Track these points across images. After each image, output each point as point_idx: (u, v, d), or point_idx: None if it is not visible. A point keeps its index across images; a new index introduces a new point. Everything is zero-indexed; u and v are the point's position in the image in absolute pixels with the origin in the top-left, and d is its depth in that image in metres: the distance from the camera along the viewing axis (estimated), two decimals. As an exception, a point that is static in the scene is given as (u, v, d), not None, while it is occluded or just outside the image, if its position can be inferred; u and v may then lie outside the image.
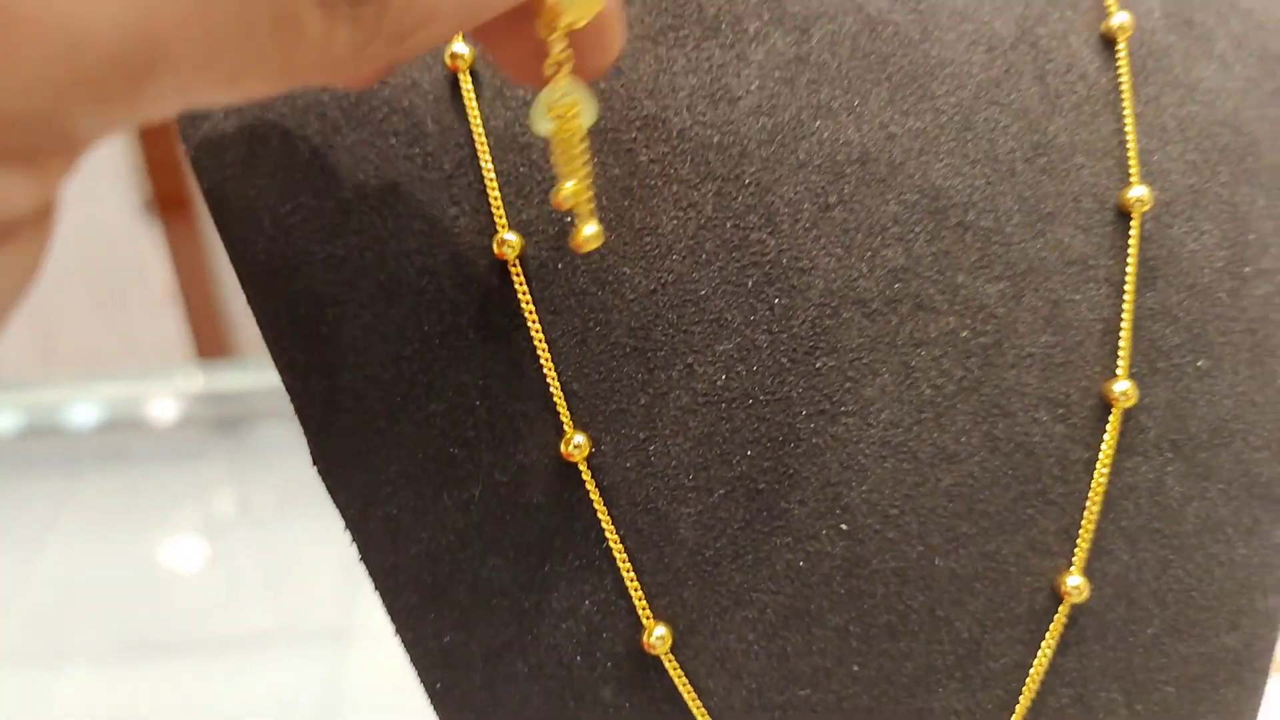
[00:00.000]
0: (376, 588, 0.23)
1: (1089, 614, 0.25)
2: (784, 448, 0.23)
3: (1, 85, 0.11)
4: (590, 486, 0.22)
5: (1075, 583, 0.24)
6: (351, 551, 0.23)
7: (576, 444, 0.22)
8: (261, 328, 0.24)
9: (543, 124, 0.19)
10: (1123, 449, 0.24)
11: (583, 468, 0.22)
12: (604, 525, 0.22)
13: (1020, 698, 0.24)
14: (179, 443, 1.92)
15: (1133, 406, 0.24)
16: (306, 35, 0.14)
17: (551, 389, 0.22)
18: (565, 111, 0.18)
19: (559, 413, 0.22)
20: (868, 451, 0.23)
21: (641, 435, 0.22)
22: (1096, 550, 0.24)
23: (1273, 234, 0.26)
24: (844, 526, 0.23)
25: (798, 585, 0.23)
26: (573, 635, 0.23)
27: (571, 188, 0.19)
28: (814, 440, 0.23)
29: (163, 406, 1.91)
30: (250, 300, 0.24)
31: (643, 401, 0.22)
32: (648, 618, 0.22)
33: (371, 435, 0.22)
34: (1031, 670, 0.24)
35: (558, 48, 0.18)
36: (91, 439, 1.93)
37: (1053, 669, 0.25)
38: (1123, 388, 0.24)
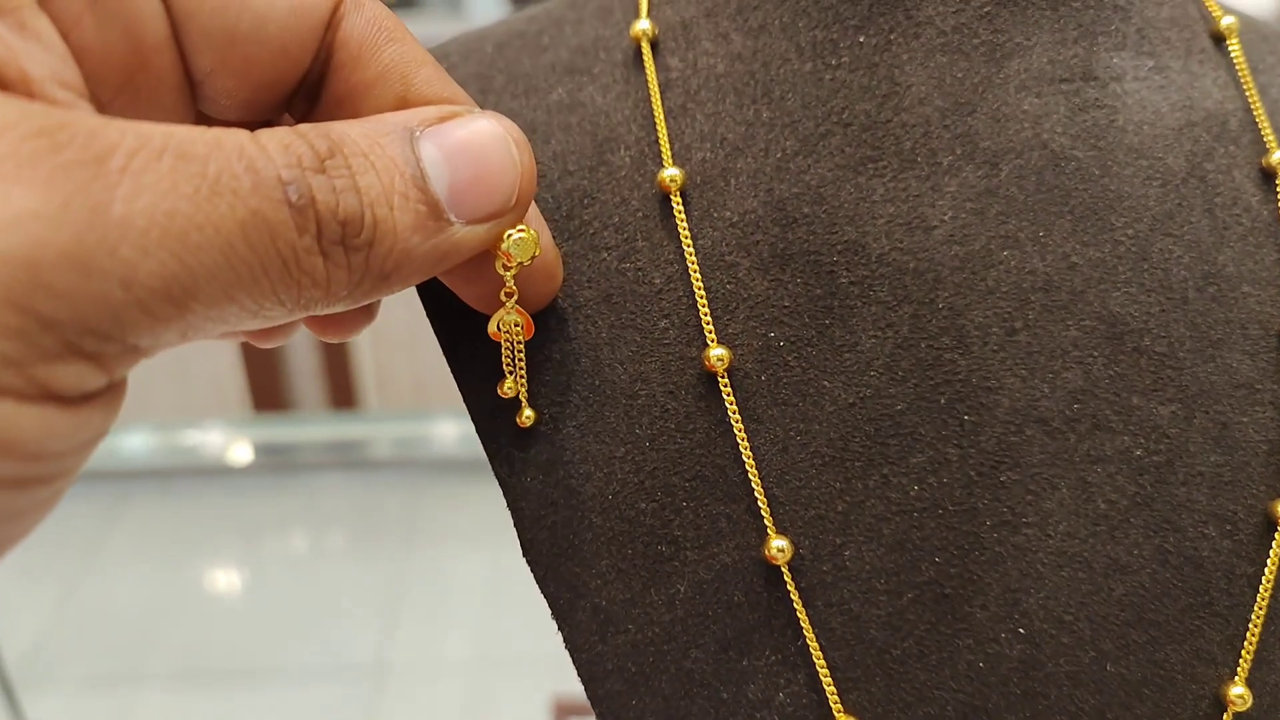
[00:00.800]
0: (580, 675, 0.24)
1: (1247, 720, 0.26)
2: (969, 555, 0.24)
3: (78, 307, 0.15)
4: (790, 587, 0.24)
5: (1239, 692, 0.25)
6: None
7: (780, 547, 0.23)
8: (475, 421, 0.25)
9: (495, 335, 0.24)
10: None
11: (785, 570, 0.24)
12: (802, 624, 0.24)
13: (1182, 801, 0.25)
14: (227, 479, 1.95)
15: None
16: (312, 277, 0.18)
17: (755, 493, 0.24)
18: (510, 330, 0.24)
19: (762, 516, 0.24)
20: (1046, 561, 0.24)
21: (838, 540, 0.24)
22: (1258, 661, 0.26)
23: None
24: (1022, 630, 0.24)
25: (977, 684, 0.24)
26: (767, 728, 0.24)
27: (510, 384, 0.24)
28: (997, 549, 0.24)
29: (216, 446, 1.94)
30: (465, 397, 0.25)
31: (840, 509, 0.24)
32: (839, 711, 0.24)
33: (583, 530, 0.24)
34: None
35: (509, 283, 0.23)
36: (141, 468, 1.96)
37: None
38: None
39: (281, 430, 1.94)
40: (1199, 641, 0.25)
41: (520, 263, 0.22)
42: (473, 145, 0.21)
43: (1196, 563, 0.25)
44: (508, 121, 0.22)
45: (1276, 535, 0.25)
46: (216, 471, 1.94)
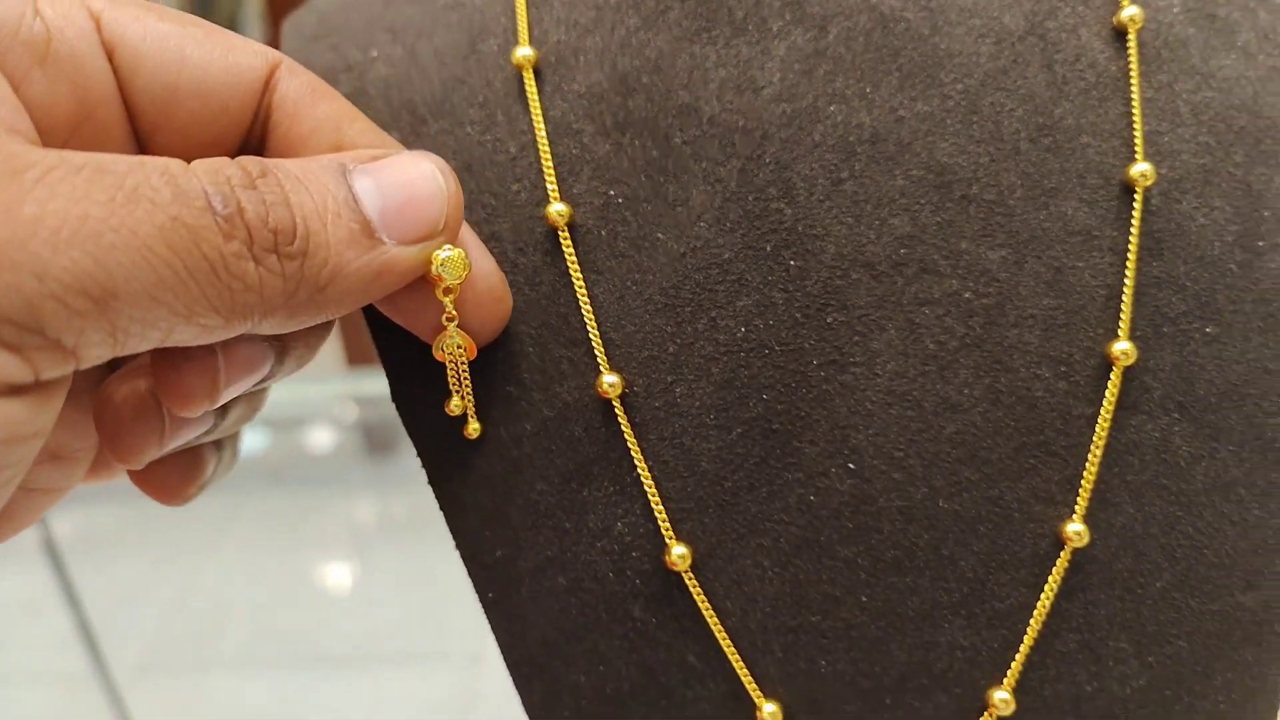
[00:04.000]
0: (442, 509, 0.27)
1: (1094, 563, 0.26)
2: (796, 393, 0.25)
3: None
4: (623, 422, 0.26)
5: (1076, 529, 0.25)
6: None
7: (610, 383, 0.25)
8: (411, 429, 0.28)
9: (439, 356, 0.25)
10: (1126, 407, 0.26)
11: (616, 405, 0.25)
12: (635, 456, 0.26)
13: (1025, 639, 0.26)
14: (333, 469, 2.05)
15: (1135, 367, 0.26)
16: (244, 282, 0.20)
17: (592, 337, 0.26)
18: (453, 351, 0.25)
19: (598, 357, 0.26)
20: (874, 399, 0.25)
21: (670, 379, 0.26)
22: (1101, 502, 0.26)
23: (1290, 212, 0.27)
24: (851, 466, 0.25)
25: (808, 518, 0.26)
26: (606, 553, 0.26)
27: (456, 402, 0.26)
28: (824, 387, 0.25)
29: (320, 436, 2.04)
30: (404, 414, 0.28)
31: (671, 350, 0.26)
32: (671, 539, 0.25)
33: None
34: (1035, 612, 0.26)
35: (448, 307, 0.24)
36: (257, 462, 2.07)
37: (1058, 613, 0.26)
38: (1123, 347, 0.25)
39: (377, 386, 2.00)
40: (1036, 481, 0.26)
41: (453, 285, 0.24)
42: (402, 176, 0.23)
43: (1030, 403, 0.26)
44: (435, 156, 0.24)
45: (1112, 376, 0.26)
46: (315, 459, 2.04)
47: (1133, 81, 0.27)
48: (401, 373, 0.27)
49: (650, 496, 0.26)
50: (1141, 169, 0.26)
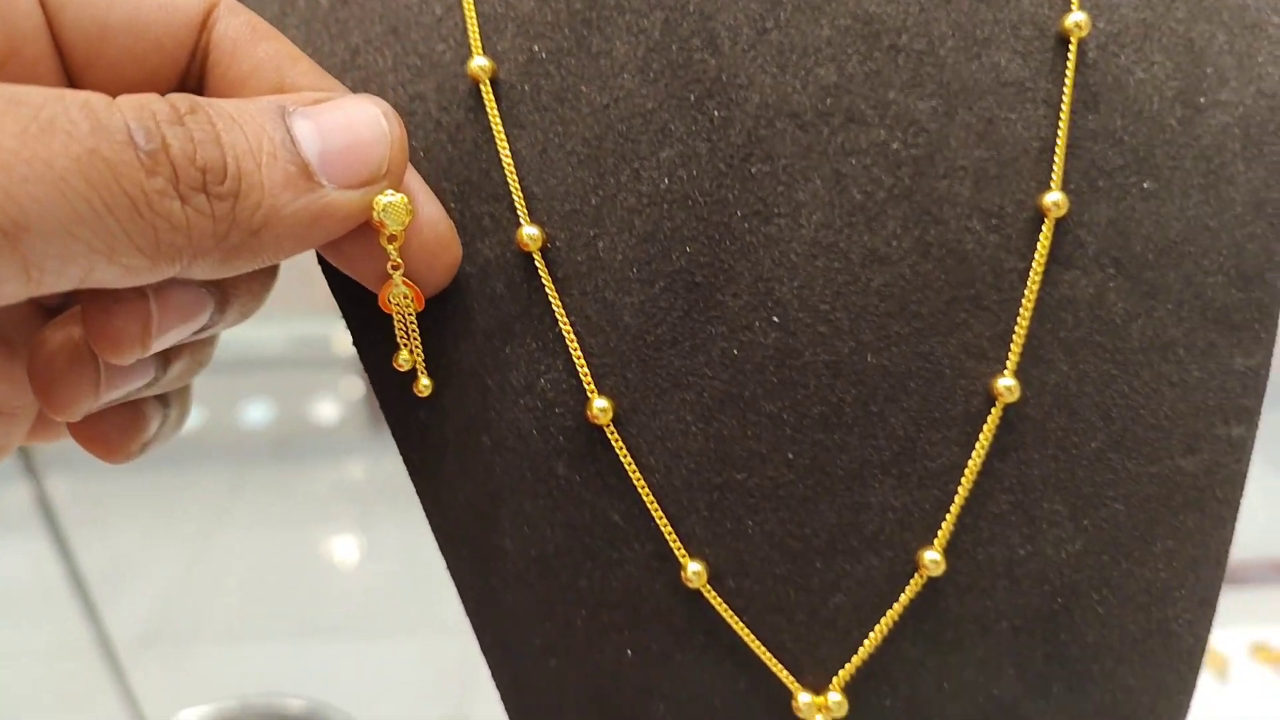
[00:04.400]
0: (371, 383, 0.26)
1: (1027, 421, 0.26)
2: (720, 245, 0.25)
3: None
4: (544, 276, 0.25)
5: (1007, 383, 0.25)
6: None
7: (530, 235, 0.25)
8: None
9: (385, 308, 0.25)
10: (1060, 262, 0.25)
11: (537, 258, 0.25)
12: (556, 311, 0.25)
13: (956, 499, 0.26)
14: (336, 442, 2.05)
15: (1069, 221, 0.25)
16: (169, 221, 0.19)
17: (513, 191, 0.25)
18: (401, 303, 0.25)
19: (518, 211, 0.25)
20: (799, 250, 0.25)
21: (592, 232, 0.25)
22: (1034, 358, 0.25)
23: (1233, 69, 0.26)
24: (775, 319, 0.25)
25: (732, 372, 0.25)
26: (530, 411, 0.26)
27: (405, 356, 0.25)
28: (748, 239, 0.25)
29: (324, 409, 2.04)
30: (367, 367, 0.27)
31: (593, 203, 0.25)
32: (592, 393, 0.25)
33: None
34: (967, 471, 0.25)
35: (392, 255, 0.24)
36: (261, 435, 2.08)
37: (990, 473, 0.26)
38: (1055, 198, 0.25)
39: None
40: (966, 335, 0.25)
41: (396, 231, 0.23)
42: (343, 119, 0.22)
43: (960, 255, 0.25)
44: (378, 100, 0.23)
45: (1044, 229, 0.25)
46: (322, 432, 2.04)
47: None
48: (359, 322, 0.27)
49: (572, 351, 0.25)
50: (1076, 19, 0.25)
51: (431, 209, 0.25)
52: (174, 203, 0.19)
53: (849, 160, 0.25)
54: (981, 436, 0.25)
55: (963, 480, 0.26)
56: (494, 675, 0.28)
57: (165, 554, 1.80)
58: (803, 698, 0.26)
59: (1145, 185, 0.26)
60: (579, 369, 0.25)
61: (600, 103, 0.25)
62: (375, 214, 0.23)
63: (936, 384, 0.25)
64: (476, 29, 0.26)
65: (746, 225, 0.25)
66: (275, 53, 0.24)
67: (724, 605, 0.26)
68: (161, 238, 0.19)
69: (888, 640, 0.27)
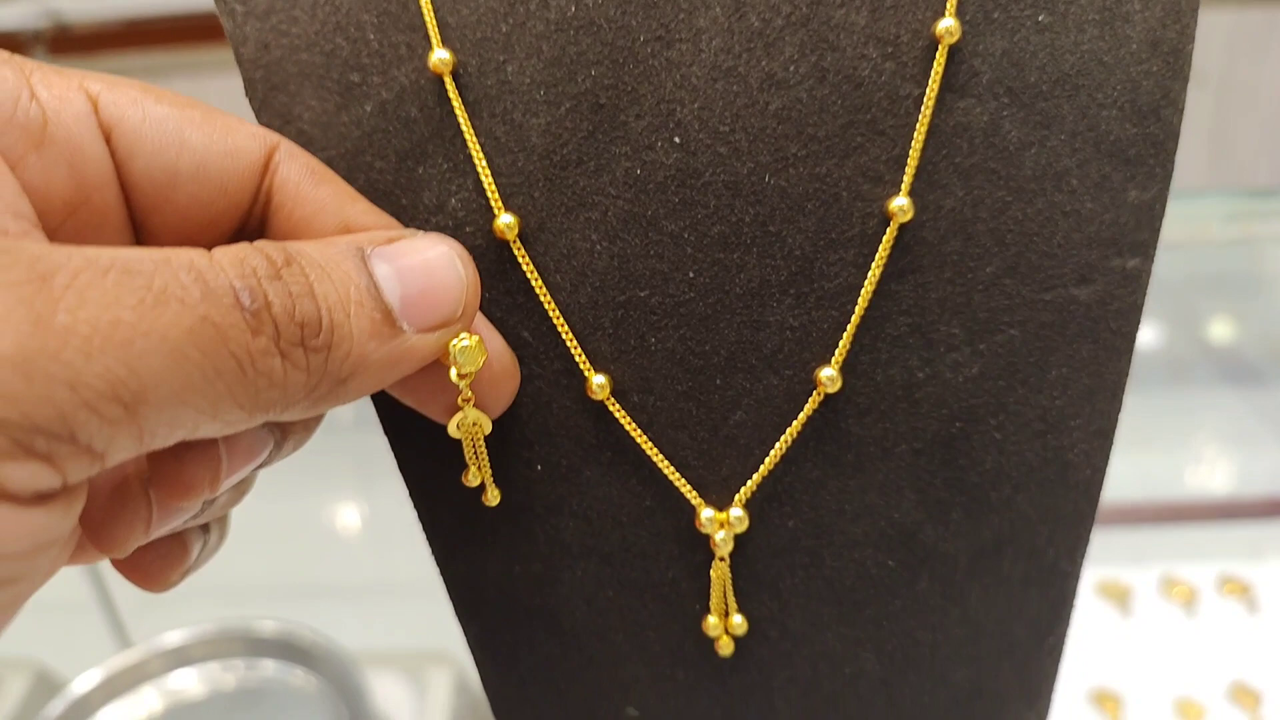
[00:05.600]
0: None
1: (923, 245, 0.27)
2: (623, 68, 0.26)
3: (24, 408, 0.16)
4: (455, 99, 0.26)
5: (901, 203, 0.26)
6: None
7: (440, 59, 0.26)
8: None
9: (455, 434, 0.26)
10: (955, 90, 0.26)
11: (448, 80, 0.26)
12: (466, 133, 0.26)
13: (853, 318, 0.26)
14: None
15: (964, 50, 0.26)
16: (269, 378, 0.19)
17: (427, 20, 0.26)
18: (470, 430, 0.26)
19: (431, 39, 0.26)
20: (699, 74, 0.26)
21: (502, 57, 0.26)
22: (929, 182, 0.26)
23: (1134, -91, 0.27)
24: (677, 139, 0.26)
25: (635, 191, 0.26)
26: (441, 229, 0.27)
27: (474, 473, 0.27)
28: (650, 62, 0.26)
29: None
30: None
31: (503, 29, 0.26)
32: (499, 210, 0.26)
33: (291, 66, 0.27)
34: (863, 291, 0.26)
35: (465, 391, 0.25)
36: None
37: (887, 294, 0.27)
38: (947, 24, 0.25)
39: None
40: (862, 159, 0.26)
41: (469, 372, 0.24)
42: (421, 261, 0.23)
43: (856, 81, 0.26)
44: (453, 241, 0.24)
45: (938, 55, 0.26)
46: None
47: None
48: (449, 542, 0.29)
49: (480, 171, 0.26)
50: None
51: (495, 342, 0.26)
52: (275, 360, 0.19)
53: None
54: (877, 257, 0.26)
55: (859, 301, 0.26)
56: (414, 501, 0.29)
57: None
58: (705, 513, 0.27)
59: (1040, 18, 0.26)
60: (487, 188, 0.26)
61: None
62: (452, 355, 0.24)
63: (833, 206, 0.26)
64: None
65: (649, 50, 0.26)
66: (336, 194, 0.24)
67: (628, 419, 0.27)
68: (261, 394, 0.19)
69: (789, 460, 0.28)
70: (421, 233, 0.24)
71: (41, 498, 0.17)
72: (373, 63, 0.27)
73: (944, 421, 0.28)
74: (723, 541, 0.27)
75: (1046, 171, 0.26)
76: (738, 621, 0.28)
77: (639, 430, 0.27)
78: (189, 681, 0.77)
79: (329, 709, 0.74)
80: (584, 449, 0.27)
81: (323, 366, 0.20)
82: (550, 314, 0.27)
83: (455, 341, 0.24)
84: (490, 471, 0.27)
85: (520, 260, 0.26)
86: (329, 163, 0.27)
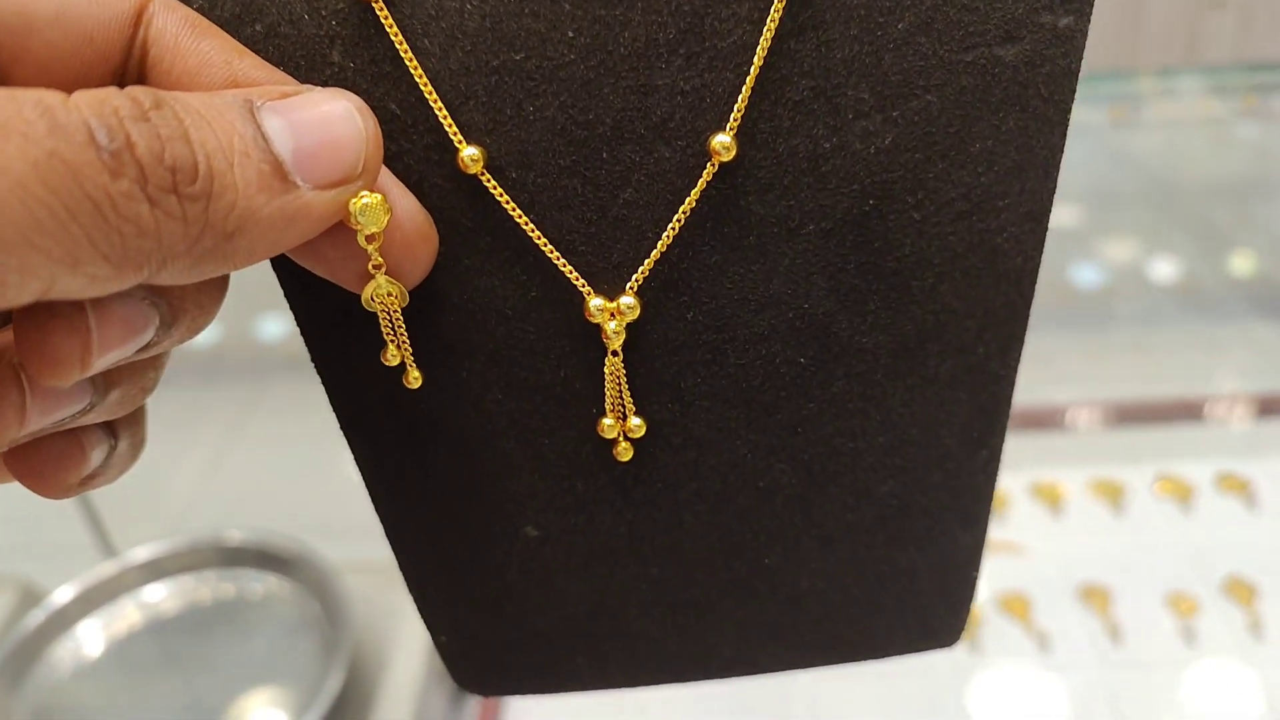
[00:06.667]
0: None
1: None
2: None
3: None
4: None
5: None
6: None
7: None
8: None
9: (369, 306, 0.24)
10: None
11: None
12: None
13: (748, 80, 0.24)
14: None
15: None
16: (137, 225, 0.17)
17: None
18: (385, 299, 0.24)
19: None
20: None
21: None
22: None
23: None
24: None
25: None
26: (300, -8, 0.24)
27: (393, 351, 0.25)
28: None
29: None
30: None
31: None
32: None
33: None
34: (758, 51, 0.24)
35: (373, 256, 0.23)
36: (277, 349, 2.10)
37: (786, 54, 0.24)
38: None
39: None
40: None
41: (375, 232, 0.22)
42: (316, 115, 0.21)
43: None
44: (351, 95, 0.22)
45: None
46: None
47: None
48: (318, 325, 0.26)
49: None
50: None
51: (406, 203, 0.24)
52: (142, 206, 0.17)
53: None
54: (773, 9, 0.24)
55: (754, 60, 0.24)
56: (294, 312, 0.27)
57: (181, 468, 1.84)
58: (594, 302, 0.25)
59: None
60: None
61: None
62: (352, 215, 0.22)
63: None
64: None
65: None
66: (221, 47, 0.22)
67: (505, 197, 0.25)
68: (129, 244, 0.17)
69: (684, 243, 0.25)
70: (318, 88, 0.22)
71: None
72: None
73: (855, 198, 0.25)
74: (615, 333, 0.25)
75: None
76: (635, 424, 0.26)
77: (519, 210, 0.25)
78: (165, 594, 0.76)
79: (306, 615, 0.73)
80: (460, 234, 0.25)
81: (202, 216, 0.18)
82: (419, 82, 0.24)
83: (356, 200, 0.22)
84: (411, 350, 0.25)
85: (384, 23, 0.24)
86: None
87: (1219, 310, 0.98)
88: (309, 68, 0.25)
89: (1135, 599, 0.64)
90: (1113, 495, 0.70)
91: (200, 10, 0.25)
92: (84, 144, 0.17)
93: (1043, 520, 0.69)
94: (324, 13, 0.24)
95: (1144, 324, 0.94)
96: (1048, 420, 0.75)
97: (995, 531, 0.69)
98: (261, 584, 0.76)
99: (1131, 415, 0.76)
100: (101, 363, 0.21)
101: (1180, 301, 0.99)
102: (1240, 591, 0.63)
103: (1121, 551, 0.67)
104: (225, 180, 0.19)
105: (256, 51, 0.24)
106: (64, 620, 0.75)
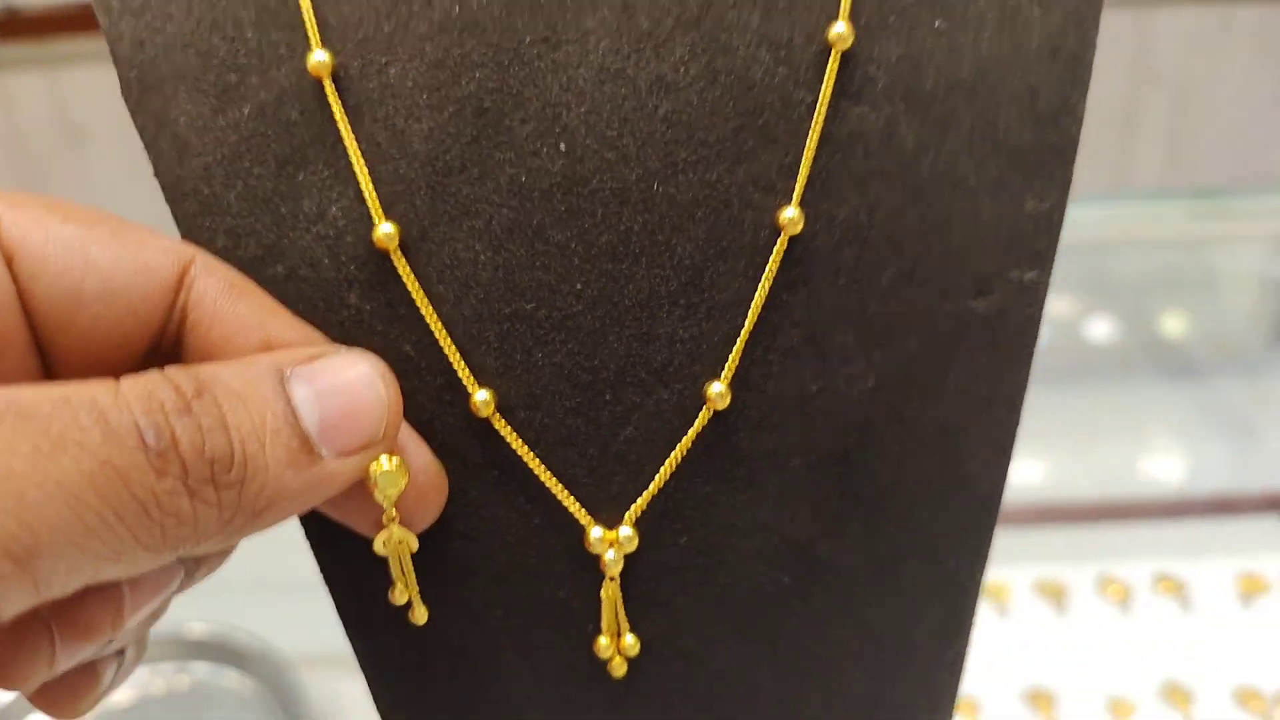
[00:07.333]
0: (164, 194, 0.26)
1: (816, 254, 0.26)
2: (508, 70, 0.25)
3: None
4: (335, 103, 0.25)
5: (790, 215, 0.25)
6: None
7: (319, 60, 0.25)
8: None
9: (381, 551, 0.25)
10: (849, 96, 0.26)
11: (328, 84, 0.25)
12: (346, 138, 0.25)
13: (743, 330, 0.26)
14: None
15: (859, 56, 0.25)
16: (177, 517, 0.18)
17: (306, 19, 0.25)
18: (396, 548, 0.25)
19: (310, 39, 0.25)
20: (587, 76, 0.25)
21: (384, 59, 0.25)
22: (823, 191, 0.26)
23: (1035, -86, 0.26)
24: (563, 146, 0.25)
25: (520, 199, 0.25)
26: (322, 239, 0.26)
27: (400, 589, 0.26)
28: (536, 64, 0.25)
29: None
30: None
31: (386, 30, 0.25)
32: (380, 218, 0.25)
33: (165, 67, 0.26)
34: (754, 303, 0.26)
35: (389, 510, 0.24)
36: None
37: (778, 306, 0.26)
38: (839, 29, 0.25)
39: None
40: (754, 166, 0.25)
41: (392, 494, 0.24)
42: (342, 383, 0.22)
43: (748, 84, 0.25)
44: (373, 357, 0.24)
45: (831, 59, 0.25)
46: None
47: None
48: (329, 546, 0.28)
49: (361, 178, 0.25)
50: None
51: (421, 457, 0.25)
52: (183, 499, 0.18)
53: None
54: (768, 268, 0.26)
55: (750, 313, 0.26)
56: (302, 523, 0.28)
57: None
58: (594, 532, 0.27)
59: (937, 23, 0.26)
60: (367, 196, 0.25)
61: None
62: (372, 478, 0.23)
63: (723, 214, 0.26)
64: None
65: (535, 51, 0.25)
66: (256, 308, 0.24)
67: (514, 436, 0.26)
68: (169, 534, 0.18)
69: (680, 476, 0.27)
70: (343, 349, 0.24)
71: None
72: (251, 63, 0.26)
73: (838, 435, 0.27)
74: (612, 561, 0.27)
75: (944, 176, 0.26)
76: (630, 642, 0.28)
77: (526, 448, 0.26)
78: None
79: (264, 712, 0.73)
80: (469, 468, 0.27)
81: (236, 501, 0.19)
82: (433, 327, 0.26)
83: (376, 465, 0.23)
84: (418, 589, 0.27)
85: (402, 272, 0.25)
86: (206, 169, 0.26)
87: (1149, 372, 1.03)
88: (327, 309, 0.26)
89: (1078, 702, 0.66)
90: (1056, 595, 0.73)
91: (223, 250, 0.26)
92: (134, 447, 0.18)
93: (991, 620, 0.72)
94: (343, 258, 0.26)
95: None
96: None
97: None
98: (219, 678, 0.75)
99: (1073, 515, 0.79)
100: (132, 622, 0.22)
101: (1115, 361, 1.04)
102: (1177, 697, 0.66)
103: (1065, 653, 0.69)
104: (258, 463, 0.20)
105: (278, 293, 0.26)
106: (14, 713, 0.74)
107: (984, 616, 0.73)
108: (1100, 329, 1.07)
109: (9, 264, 0.21)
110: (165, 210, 0.26)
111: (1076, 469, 0.90)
